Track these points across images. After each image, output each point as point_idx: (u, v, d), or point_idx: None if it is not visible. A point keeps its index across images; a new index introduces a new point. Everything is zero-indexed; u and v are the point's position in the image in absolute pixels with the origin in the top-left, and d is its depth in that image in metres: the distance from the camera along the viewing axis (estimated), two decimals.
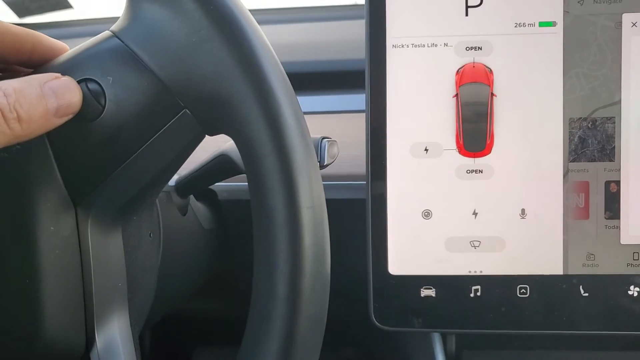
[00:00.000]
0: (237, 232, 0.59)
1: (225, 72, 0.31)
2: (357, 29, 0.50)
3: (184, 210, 0.50)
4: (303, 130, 0.32)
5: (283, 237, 0.31)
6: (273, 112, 0.31)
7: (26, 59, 0.35)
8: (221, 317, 0.76)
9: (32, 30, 0.35)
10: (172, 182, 0.49)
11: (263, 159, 0.31)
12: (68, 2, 0.95)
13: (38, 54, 0.35)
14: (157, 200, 0.43)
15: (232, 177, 0.49)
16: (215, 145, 0.45)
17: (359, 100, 0.52)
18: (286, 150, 0.30)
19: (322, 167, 0.41)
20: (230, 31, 0.31)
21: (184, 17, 0.31)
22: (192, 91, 0.31)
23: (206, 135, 0.34)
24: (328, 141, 0.41)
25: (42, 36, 0.35)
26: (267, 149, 0.30)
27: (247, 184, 0.32)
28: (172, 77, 0.31)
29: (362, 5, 0.48)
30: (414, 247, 0.48)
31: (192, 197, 0.52)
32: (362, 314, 0.51)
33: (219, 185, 0.57)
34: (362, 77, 0.48)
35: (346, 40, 0.71)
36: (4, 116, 0.28)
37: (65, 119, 0.31)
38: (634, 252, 0.47)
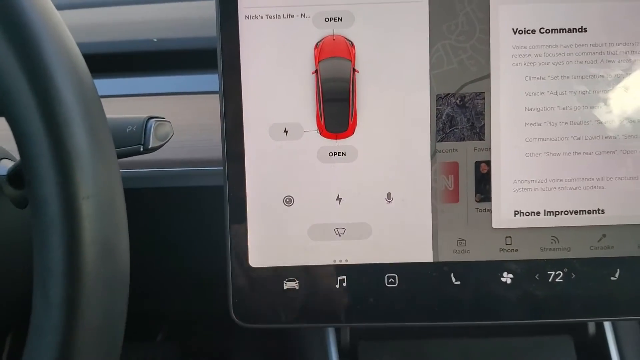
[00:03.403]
0: None
1: None
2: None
3: (22, 203, 0.45)
4: (86, 105, 0.27)
5: (55, 233, 0.26)
6: (42, 84, 0.26)
7: None
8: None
9: None
10: (4, 170, 0.44)
11: (30, 139, 0.26)
12: None
13: None
14: None
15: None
16: None
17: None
18: (57, 128, 0.26)
19: (147, 150, 0.37)
20: None
21: None
22: None
23: None
24: (156, 121, 0.37)
25: None
26: (33, 127, 0.26)
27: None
28: None
29: None
30: (275, 237, 0.45)
31: None
32: None
33: None
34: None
35: (202, 18, 0.66)
36: None
37: None
38: (506, 237, 0.44)
